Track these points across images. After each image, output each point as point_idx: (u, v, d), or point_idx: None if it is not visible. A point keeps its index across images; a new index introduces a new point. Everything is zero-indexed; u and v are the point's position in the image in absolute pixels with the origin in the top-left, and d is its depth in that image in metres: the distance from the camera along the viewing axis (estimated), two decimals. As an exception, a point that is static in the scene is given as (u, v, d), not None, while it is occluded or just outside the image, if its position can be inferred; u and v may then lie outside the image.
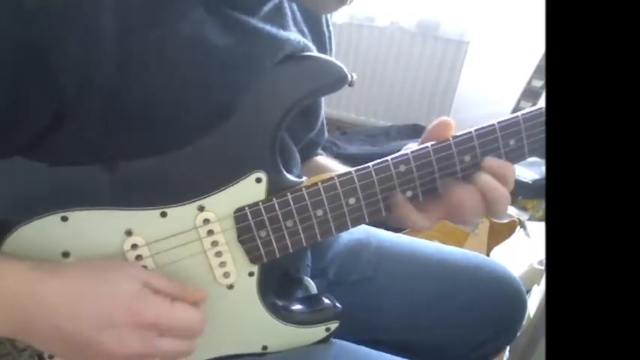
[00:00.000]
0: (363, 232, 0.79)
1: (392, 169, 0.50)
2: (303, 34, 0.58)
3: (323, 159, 0.74)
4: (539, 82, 1.35)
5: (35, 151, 0.44)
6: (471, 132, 0.51)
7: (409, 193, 0.51)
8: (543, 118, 0.51)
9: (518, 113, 0.51)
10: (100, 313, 0.42)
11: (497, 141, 0.51)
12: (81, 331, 0.42)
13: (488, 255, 1.47)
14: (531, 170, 1.83)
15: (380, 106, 2.33)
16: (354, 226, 0.51)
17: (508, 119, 0.51)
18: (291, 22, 0.54)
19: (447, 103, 2.20)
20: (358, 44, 2.24)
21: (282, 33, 0.48)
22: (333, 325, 0.57)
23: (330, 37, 0.65)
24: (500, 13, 1.92)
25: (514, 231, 1.49)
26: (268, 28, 0.48)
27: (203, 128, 0.46)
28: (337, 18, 2.18)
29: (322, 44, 0.64)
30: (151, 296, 0.44)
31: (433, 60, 2.15)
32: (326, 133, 0.74)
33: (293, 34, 0.49)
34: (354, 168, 0.50)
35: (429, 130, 0.52)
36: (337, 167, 0.70)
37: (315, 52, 0.52)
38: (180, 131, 0.45)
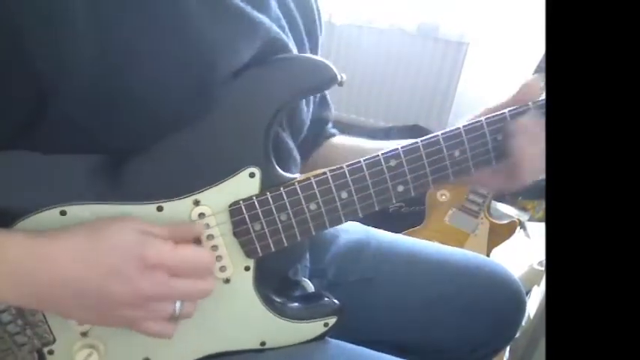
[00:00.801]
0: (362, 232, 0.79)
1: (382, 163, 0.51)
2: (288, 9, 0.57)
3: (345, 139, 0.73)
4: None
5: (27, 138, 0.44)
6: (459, 128, 0.52)
7: (400, 188, 0.52)
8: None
9: (505, 110, 0.52)
10: (105, 264, 0.43)
11: (485, 136, 0.52)
12: (90, 285, 0.43)
13: (488, 256, 1.47)
14: (531, 171, 1.83)
15: (380, 107, 2.33)
16: (347, 220, 0.52)
17: (494, 116, 0.52)
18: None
19: (447, 104, 2.20)
20: (358, 46, 2.24)
21: (256, 15, 0.48)
22: (331, 321, 0.57)
23: (318, 9, 0.64)
24: (500, 14, 1.92)
25: (514, 232, 1.49)
26: (242, 6, 0.47)
27: (186, 110, 0.46)
28: (337, 19, 2.19)
29: (310, 16, 0.62)
30: (151, 239, 0.44)
31: (433, 61, 2.15)
32: (332, 107, 0.74)
33: (267, 20, 0.49)
34: (346, 163, 0.51)
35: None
36: (366, 143, 0.68)
37: (298, 53, 0.53)
38: (164, 114, 0.45)
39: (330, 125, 0.75)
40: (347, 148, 0.71)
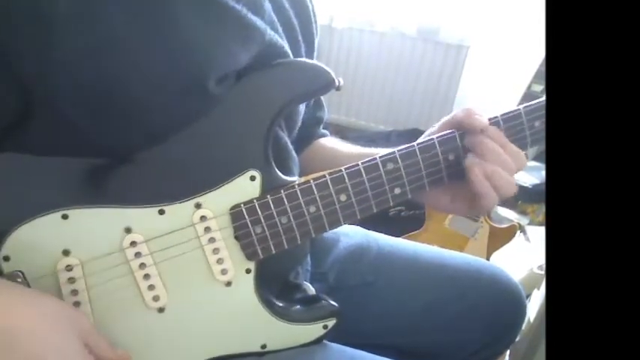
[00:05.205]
0: (363, 236, 0.79)
1: (380, 167, 0.52)
2: (283, 9, 0.57)
3: (329, 140, 0.74)
4: (539, 87, 1.35)
5: (15, 139, 0.44)
6: (454, 132, 0.53)
7: (397, 190, 0.53)
8: (523, 120, 0.53)
9: (498, 114, 0.52)
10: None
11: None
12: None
13: (488, 259, 1.47)
14: (531, 175, 1.84)
15: (380, 111, 2.33)
16: (346, 222, 0.53)
17: (489, 118, 0.52)
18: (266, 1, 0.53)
19: (447, 108, 2.20)
20: (359, 49, 2.24)
21: (250, 17, 0.48)
22: (330, 323, 0.57)
23: (313, 10, 0.64)
24: (500, 17, 1.93)
25: (514, 235, 1.48)
26: (238, 9, 0.47)
27: (178, 110, 0.46)
28: (338, 23, 2.19)
29: (306, 16, 0.62)
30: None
31: (433, 65, 2.16)
32: (326, 109, 0.75)
33: (262, 23, 0.49)
34: (344, 166, 0.52)
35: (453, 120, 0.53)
36: (344, 147, 0.70)
37: (294, 55, 0.54)
38: (155, 113, 0.45)
39: (322, 126, 0.75)
40: (327, 150, 0.72)
